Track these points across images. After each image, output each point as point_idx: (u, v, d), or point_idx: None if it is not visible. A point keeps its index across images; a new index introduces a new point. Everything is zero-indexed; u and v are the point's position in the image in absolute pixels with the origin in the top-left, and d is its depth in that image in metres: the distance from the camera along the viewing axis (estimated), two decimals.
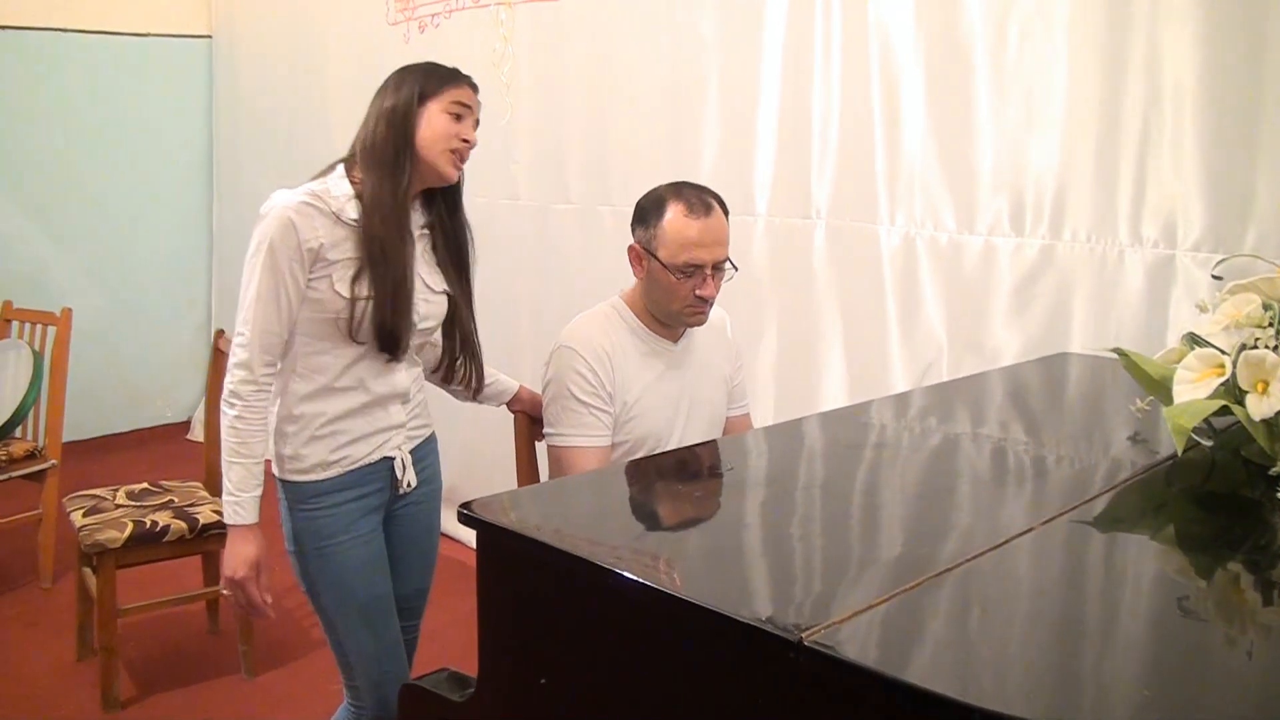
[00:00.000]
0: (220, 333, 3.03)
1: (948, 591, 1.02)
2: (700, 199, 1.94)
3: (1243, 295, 1.44)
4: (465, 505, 1.21)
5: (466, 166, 1.89)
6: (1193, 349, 1.45)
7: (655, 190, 1.99)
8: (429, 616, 2.14)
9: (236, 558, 1.82)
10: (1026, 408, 1.91)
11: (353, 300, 1.78)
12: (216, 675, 2.99)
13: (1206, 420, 1.41)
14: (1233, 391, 1.37)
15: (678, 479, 1.50)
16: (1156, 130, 2.21)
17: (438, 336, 1.99)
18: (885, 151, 2.65)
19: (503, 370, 2.17)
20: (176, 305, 5.31)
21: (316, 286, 1.79)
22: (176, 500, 3.00)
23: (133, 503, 2.98)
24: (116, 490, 3.07)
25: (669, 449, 2.00)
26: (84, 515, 2.88)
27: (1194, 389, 1.39)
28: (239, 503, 1.80)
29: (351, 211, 1.79)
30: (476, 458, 3.61)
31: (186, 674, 2.99)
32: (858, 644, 0.91)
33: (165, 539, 2.81)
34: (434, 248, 1.93)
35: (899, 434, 1.64)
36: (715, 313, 2.07)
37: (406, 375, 1.92)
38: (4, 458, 3.42)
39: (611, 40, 3.31)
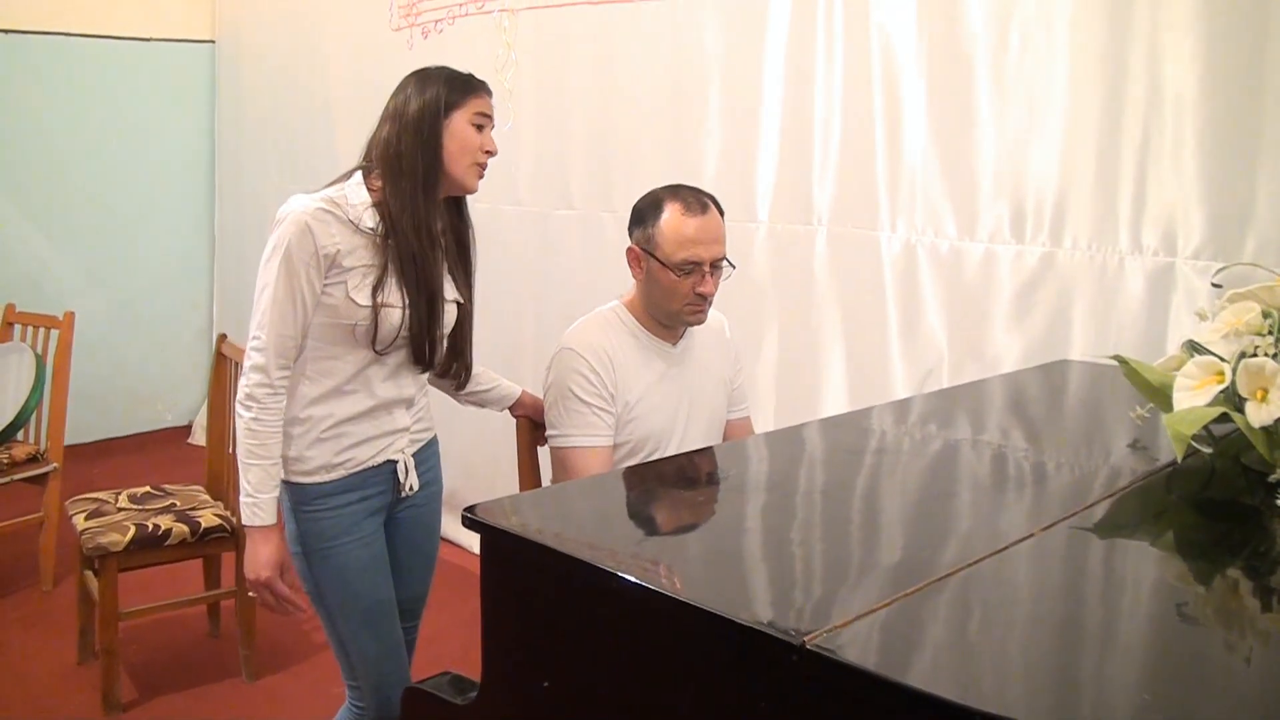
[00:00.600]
0: (223, 337, 3.04)
1: (948, 596, 1.03)
2: (696, 198, 1.97)
3: (1242, 303, 1.45)
4: (469, 509, 1.22)
5: None
6: (1192, 356, 1.45)
7: (651, 193, 2.01)
8: (431, 620, 2.15)
9: (258, 560, 1.82)
10: (1026, 414, 1.92)
11: (375, 309, 1.79)
12: (217, 678, 2.99)
13: (1206, 427, 1.41)
14: (1232, 399, 1.37)
15: (680, 484, 1.50)
16: (1157, 138, 2.22)
17: None
18: (886, 158, 2.66)
19: (504, 375, 2.18)
20: (178, 309, 5.32)
21: (331, 292, 1.79)
22: (178, 504, 3.01)
23: (134, 506, 2.99)
24: (118, 494, 3.08)
25: (669, 450, 2.01)
26: (86, 518, 2.88)
27: (1193, 396, 1.40)
28: (257, 504, 1.80)
29: (369, 220, 1.80)
30: (479, 463, 3.61)
31: (187, 677, 2.99)
32: (859, 648, 0.92)
33: (167, 542, 2.81)
34: (445, 253, 1.95)
35: (899, 440, 1.64)
36: (714, 315, 2.08)
37: (413, 381, 1.94)
38: (6, 461, 3.43)
39: (614, 46, 3.33)
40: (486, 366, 2.14)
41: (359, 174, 1.85)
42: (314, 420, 1.85)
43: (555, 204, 3.57)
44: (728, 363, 2.17)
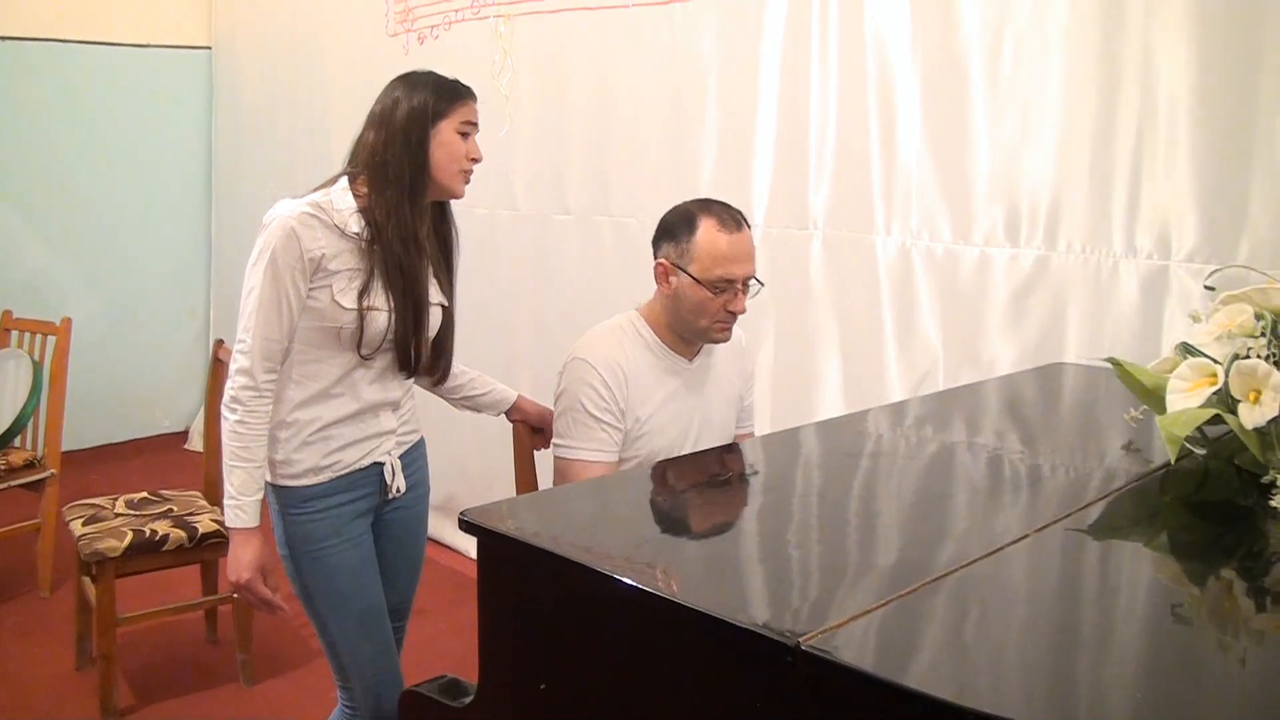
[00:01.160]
0: (220, 342, 3.04)
1: (944, 597, 1.03)
2: (730, 214, 1.94)
3: (1235, 306, 1.46)
4: (465, 513, 1.22)
5: None
6: (1186, 359, 1.46)
7: (681, 206, 1.98)
8: (428, 624, 2.15)
9: (240, 561, 1.83)
10: (1021, 417, 1.93)
11: (361, 312, 1.80)
12: (215, 684, 2.99)
13: (1199, 429, 1.42)
14: (1225, 400, 1.38)
15: (676, 486, 1.51)
16: (1151, 142, 2.22)
17: None
18: (881, 163, 2.67)
19: (501, 380, 2.18)
20: (175, 315, 5.31)
21: (316, 296, 1.80)
22: (176, 509, 3.01)
23: (132, 512, 2.99)
24: (116, 499, 3.07)
25: None
26: (83, 524, 2.88)
27: (1187, 398, 1.41)
28: (240, 506, 1.82)
29: (354, 225, 1.81)
30: (475, 468, 3.61)
31: (185, 683, 2.99)
32: (854, 648, 0.92)
33: (164, 548, 2.82)
34: (430, 258, 1.95)
35: (895, 443, 1.65)
36: (734, 331, 2.07)
37: (398, 384, 1.94)
38: (3, 467, 3.42)
39: (610, 52, 3.33)
40: (483, 371, 2.14)
41: (345, 179, 1.85)
42: (301, 424, 1.85)
43: (552, 209, 3.57)
44: (742, 379, 2.14)
